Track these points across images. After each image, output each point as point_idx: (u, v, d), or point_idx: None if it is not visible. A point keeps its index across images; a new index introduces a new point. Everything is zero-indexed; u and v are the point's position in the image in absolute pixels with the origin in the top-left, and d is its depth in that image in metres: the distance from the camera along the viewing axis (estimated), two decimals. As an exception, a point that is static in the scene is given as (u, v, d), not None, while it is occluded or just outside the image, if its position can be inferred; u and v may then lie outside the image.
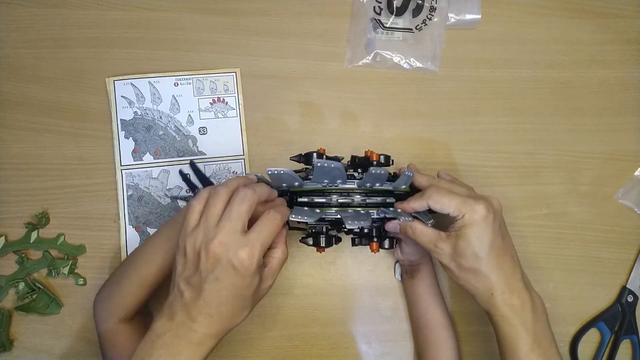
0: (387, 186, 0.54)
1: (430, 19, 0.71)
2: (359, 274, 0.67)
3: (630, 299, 0.66)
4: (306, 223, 0.57)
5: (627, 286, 0.67)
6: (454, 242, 0.50)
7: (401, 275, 0.65)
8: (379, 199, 0.54)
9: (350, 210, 0.53)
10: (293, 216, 0.49)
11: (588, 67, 0.73)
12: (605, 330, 0.66)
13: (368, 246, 0.57)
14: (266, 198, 0.48)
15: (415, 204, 0.52)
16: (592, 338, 0.67)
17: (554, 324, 0.66)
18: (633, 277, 0.67)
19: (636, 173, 0.70)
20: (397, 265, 0.67)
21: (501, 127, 0.71)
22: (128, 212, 0.65)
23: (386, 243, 0.57)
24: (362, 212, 0.53)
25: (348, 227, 0.50)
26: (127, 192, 0.66)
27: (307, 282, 0.66)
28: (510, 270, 0.50)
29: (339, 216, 0.52)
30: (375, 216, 0.53)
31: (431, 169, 0.68)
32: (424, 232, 0.52)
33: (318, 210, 0.52)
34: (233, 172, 0.67)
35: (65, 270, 0.63)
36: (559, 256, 0.68)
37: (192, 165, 0.62)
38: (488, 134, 0.70)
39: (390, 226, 0.55)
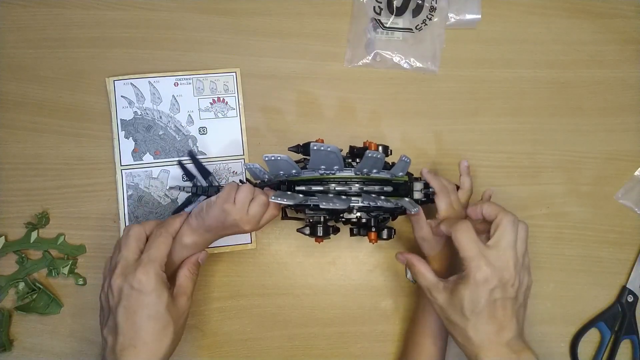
0: (385, 174, 0.54)
1: (430, 19, 0.71)
2: (359, 274, 0.67)
3: (630, 299, 0.66)
4: (304, 213, 0.56)
5: (627, 286, 0.67)
6: (447, 294, 0.49)
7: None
8: (376, 188, 0.54)
9: (331, 195, 0.52)
10: (273, 198, 0.50)
11: (588, 67, 0.73)
12: (605, 330, 0.66)
13: (366, 237, 0.57)
14: (162, 226, 0.53)
15: (442, 227, 0.52)
16: (592, 338, 0.67)
17: (554, 323, 0.66)
18: (633, 277, 0.67)
19: (636, 173, 0.70)
20: None
21: (501, 127, 0.71)
22: (128, 212, 0.65)
23: (384, 233, 0.57)
24: (343, 197, 0.52)
25: (322, 206, 0.49)
26: (127, 192, 0.66)
27: (307, 282, 0.66)
28: (497, 337, 0.48)
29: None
30: (361, 204, 0.53)
31: (431, 169, 0.68)
32: (424, 275, 0.53)
33: (300, 195, 0.52)
34: (233, 172, 0.67)
35: (65, 270, 0.63)
36: (559, 256, 0.68)
37: (191, 155, 0.63)
38: (488, 134, 0.70)
39: (399, 257, 0.56)
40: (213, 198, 0.52)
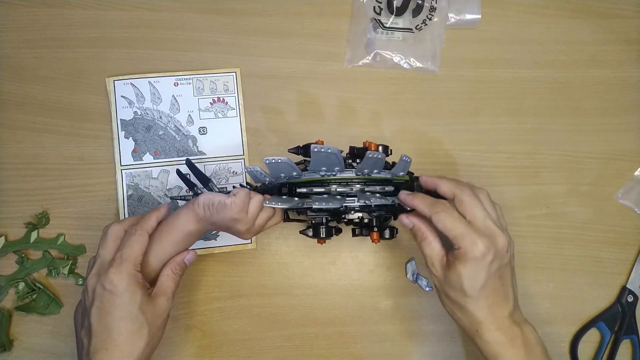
0: (385, 174, 0.54)
1: (430, 19, 0.71)
2: (359, 274, 0.67)
3: (630, 299, 0.66)
4: (306, 214, 0.57)
5: (627, 286, 0.67)
6: (445, 271, 0.49)
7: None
8: (377, 188, 0.54)
9: (325, 195, 0.53)
10: (267, 203, 0.50)
11: (588, 67, 0.73)
12: (605, 330, 0.66)
13: (369, 237, 0.57)
14: (141, 223, 0.51)
15: (420, 205, 0.49)
16: (592, 338, 0.67)
17: (554, 323, 0.66)
18: (633, 277, 0.67)
19: (636, 173, 0.70)
20: (409, 265, 0.66)
21: (501, 127, 0.71)
22: (128, 212, 0.65)
23: (387, 233, 0.57)
24: (338, 197, 0.52)
25: (315, 207, 0.49)
26: (127, 192, 0.66)
27: (307, 282, 0.66)
28: (500, 309, 0.48)
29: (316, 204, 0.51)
30: (359, 203, 0.52)
31: (431, 169, 0.68)
32: (432, 244, 0.50)
33: (296, 198, 0.52)
34: (233, 172, 0.67)
35: (65, 270, 0.63)
36: (559, 256, 0.68)
37: (189, 163, 0.62)
38: (488, 134, 0.70)
39: (404, 220, 0.52)
40: (228, 201, 0.50)
